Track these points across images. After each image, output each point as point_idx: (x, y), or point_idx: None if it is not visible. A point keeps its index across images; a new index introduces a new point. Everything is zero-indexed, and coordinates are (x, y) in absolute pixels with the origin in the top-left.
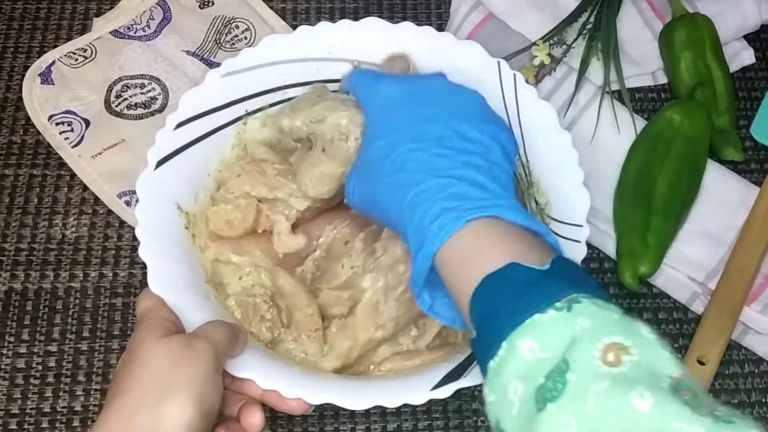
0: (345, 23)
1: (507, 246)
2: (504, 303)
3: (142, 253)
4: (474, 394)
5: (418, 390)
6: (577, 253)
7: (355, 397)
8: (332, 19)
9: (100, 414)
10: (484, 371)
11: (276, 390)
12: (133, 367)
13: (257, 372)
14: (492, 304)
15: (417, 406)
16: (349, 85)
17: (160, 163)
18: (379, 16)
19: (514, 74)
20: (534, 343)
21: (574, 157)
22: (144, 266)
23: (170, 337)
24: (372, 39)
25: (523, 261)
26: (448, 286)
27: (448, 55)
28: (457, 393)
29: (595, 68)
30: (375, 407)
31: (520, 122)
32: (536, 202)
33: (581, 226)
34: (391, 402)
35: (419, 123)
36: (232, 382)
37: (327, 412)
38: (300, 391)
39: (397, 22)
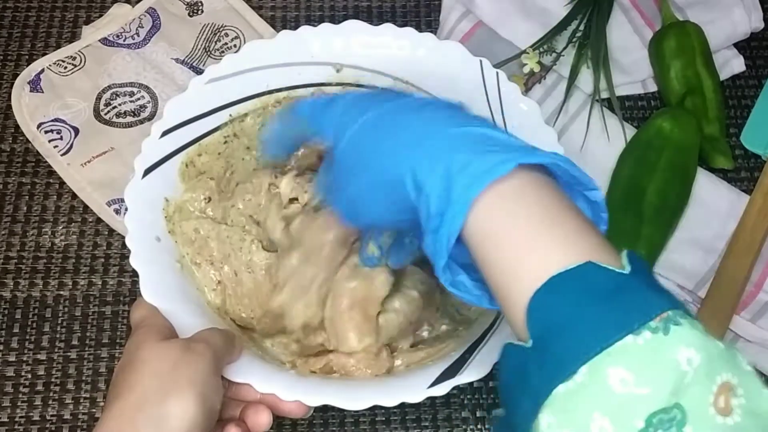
0: (326, 26)
1: (574, 232)
2: (582, 315)
3: (133, 262)
4: (463, 402)
5: (415, 389)
6: None
7: (353, 398)
8: None
9: (101, 417)
10: (538, 390)
11: (273, 393)
12: (133, 369)
13: (255, 376)
14: (564, 314)
15: (407, 415)
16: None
17: (147, 171)
18: None
19: (497, 72)
20: (627, 372)
21: (560, 152)
22: (133, 274)
23: (169, 340)
24: (353, 41)
25: (598, 258)
26: (485, 268)
27: (431, 56)
28: (448, 402)
29: (585, 76)
30: (364, 413)
31: (504, 120)
32: None
33: None
34: (389, 401)
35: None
36: (229, 388)
37: (316, 420)
38: (297, 394)
39: None
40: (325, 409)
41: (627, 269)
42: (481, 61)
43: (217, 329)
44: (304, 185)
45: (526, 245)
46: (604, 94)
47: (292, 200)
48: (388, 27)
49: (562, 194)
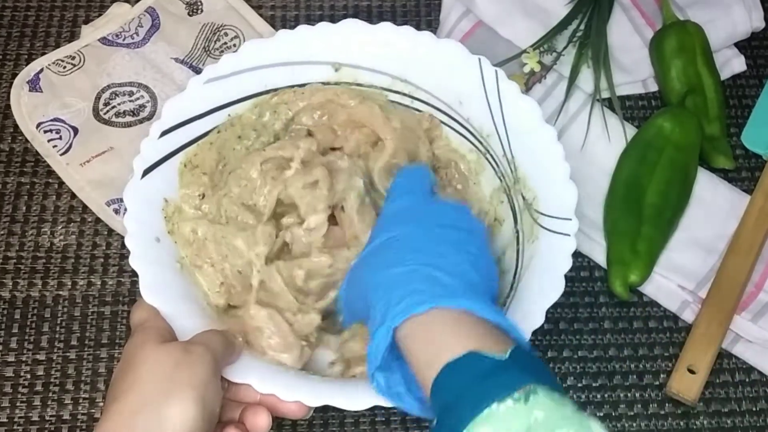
0: (324, 26)
1: (467, 334)
2: (463, 392)
3: (133, 263)
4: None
5: None
6: (566, 246)
7: (354, 398)
8: None
9: (100, 419)
10: None
11: (274, 394)
12: (132, 371)
13: (255, 376)
14: (451, 393)
15: (407, 415)
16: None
17: (146, 171)
18: None
19: (496, 71)
20: (493, 430)
21: (560, 151)
22: (132, 274)
23: (169, 343)
24: (352, 40)
25: (482, 349)
26: (414, 372)
27: (429, 54)
28: None
29: (586, 76)
30: (365, 414)
31: (503, 118)
32: (523, 198)
33: (570, 219)
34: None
35: (409, 223)
36: (228, 390)
37: (316, 420)
38: (297, 394)
39: None
40: (325, 409)
41: (506, 356)
42: (479, 59)
43: (216, 331)
44: (296, 142)
45: (433, 349)
46: (605, 94)
47: (288, 160)
48: (386, 26)
49: (476, 319)
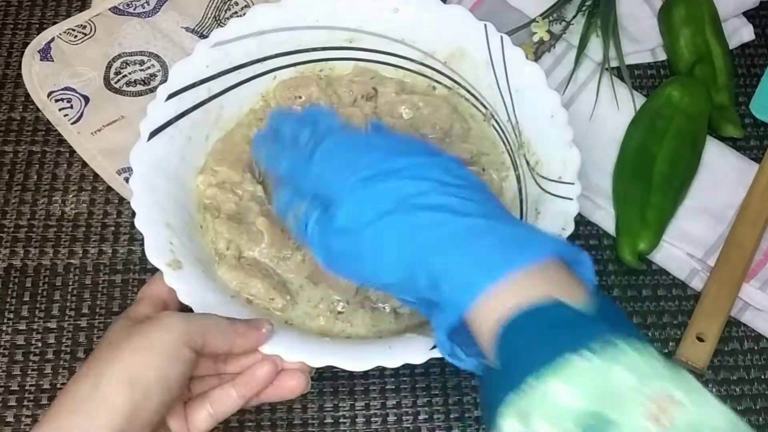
0: None
1: (541, 278)
2: (536, 339)
3: (138, 224)
4: (473, 372)
5: (418, 349)
6: (569, 210)
7: (356, 359)
8: None
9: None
10: (494, 403)
11: (277, 354)
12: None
13: None
14: (524, 339)
15: (417, 383)
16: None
17: (153, 134)
18: None
19: (501, 37)
20: (565, 385)
21: (563, 115)
22: (143, 242)
23: (138, 325)
24: (359, 5)
25: (558, 296)
26: (475, 331)
27: (435, 19)
28: (457, 371)
29: (595, 45)
30: (374, 381)
31: (508, 84)
32: (527, 162)
33: (573, 183)
34: (392, 362)
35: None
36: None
37: (326, 389)
38: (301, 355)
39: None
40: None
41: (584, 305)
42: (485, 25)
43: (211, 319)
44: None
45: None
46: (614, 63)
47: None
48: None
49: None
